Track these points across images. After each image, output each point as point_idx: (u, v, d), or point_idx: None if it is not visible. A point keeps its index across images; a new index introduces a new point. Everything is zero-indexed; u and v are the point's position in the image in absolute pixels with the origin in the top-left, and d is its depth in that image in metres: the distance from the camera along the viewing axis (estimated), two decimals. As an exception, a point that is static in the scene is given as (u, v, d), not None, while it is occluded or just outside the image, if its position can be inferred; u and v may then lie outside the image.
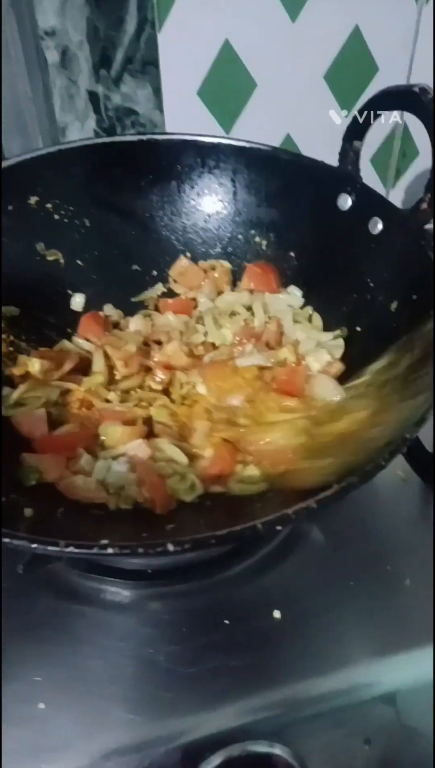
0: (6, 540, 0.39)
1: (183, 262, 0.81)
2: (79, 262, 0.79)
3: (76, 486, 0.55)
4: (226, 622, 0.58)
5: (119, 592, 0.61)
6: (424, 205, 0.65)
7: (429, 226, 0.65)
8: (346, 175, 0.71)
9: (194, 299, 0.80)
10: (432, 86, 0.63)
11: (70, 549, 0.39)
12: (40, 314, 0.75)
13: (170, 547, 0.39)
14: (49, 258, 0.76)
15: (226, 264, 0.81)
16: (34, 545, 0.40)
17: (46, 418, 0.63)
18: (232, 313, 0.78)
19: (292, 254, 0.78)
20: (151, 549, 0.39)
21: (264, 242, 0.80)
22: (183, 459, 0.61)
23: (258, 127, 1.00)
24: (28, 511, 0.51)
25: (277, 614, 0.59)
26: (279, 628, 0.59)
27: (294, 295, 0.78)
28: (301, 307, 0.78)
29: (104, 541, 0.40)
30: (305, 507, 0.41)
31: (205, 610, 0.60)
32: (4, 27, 1.02)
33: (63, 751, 0.52)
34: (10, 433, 0.62)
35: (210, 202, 0.80)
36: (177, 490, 0.57)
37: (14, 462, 0.59)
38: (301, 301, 0.78)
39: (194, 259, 0.82)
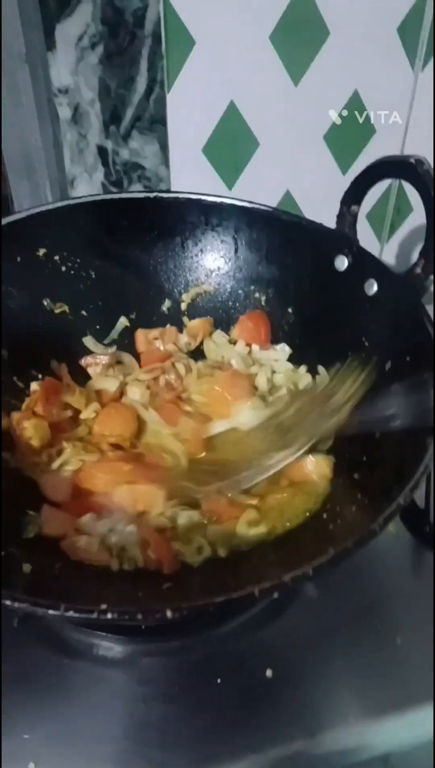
0: (7, 602, 0.40)
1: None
2: (83, 312, 0.81)
3: (79, 547, 0.56)
4: (219, 680, 0.59)
5: (112, 647, 0.61)
6: (418, 270, 0.67)
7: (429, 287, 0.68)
8: (343, 237, 0.73)
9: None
10: (429, 157, 0.67)
11: (71, 613, 0.40)
12: (44, 358, 0.78)
13: (169, 614, 0.40)
14: (56, 310, 0.78)
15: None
16: (35, 608, 0.40)
17: (71, 481, 0.64)
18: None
19: (289, 310, 0.81)
20: (149, 615, 0.40)
21: (263, 297, 0.82)
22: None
23: (259, 183, 1.03)
24: (26, 567, 0.52)
25: (269, 673, 0.59)
26: (271, 687, 0.59)
27: (282, 351, 0.81)
28: (295, 368, 0.80)
29: (103, 606, 0.40)
30: (301, 574, 0.42)
31: (197, 667, 0.60)
32: (17, 79, 1.06)
33: None
34: (9, 483, 0.63)
35: (212, 258, 0.83)
36: (183, 552, 0.58)
37: (14, 512, 0.60)
38: (285, 358, 0.80)
39: (190, 313, 0.85)
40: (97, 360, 0.80)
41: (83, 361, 0.80)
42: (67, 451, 0.68)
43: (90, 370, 0.80)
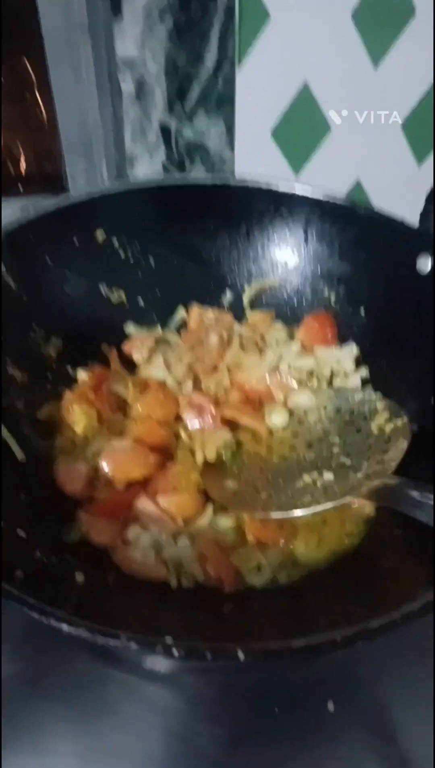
0: (66, 627, 0.37)
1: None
2: (140, 300, 0.77)
3: (134, 560, 0.52)
4: (276, 709, 0.55)
5: (164, 662, 0.57)
6: None
7: None
8: (427, 236, 0.68)
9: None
10: None
11: (132, 644, 0.36)
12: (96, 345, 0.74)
13: (241, 656, 0.36)
14: (113, 298, 0.74)
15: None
16: (93, 634, 0.37)
17: (86, 474, 0.61)
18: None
19: (361, 311, 0.75)
20: (219, 655, 0.36)
21: (332, 295, 0.77)
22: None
23: (328, 170, 0.98)
24: (79, 577, 0.49)
25: (331, 706, 0.55)
26: (333, 721, 0.54)
27: (349, 351, 0.75)
28: (356, 368, 0.74)
29: (168, 640, 0.37)
30: (389, 621, 0.38)
31: (253, 692, 0.56)
32: (77, 50, 1.01)
33: None
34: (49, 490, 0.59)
35: (279, 250, 0.78)
36: (242, 569, 0.54)
37: (61, 516, 0.56)
38: (352, 358, 0.74)
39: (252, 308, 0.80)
40: (141, 343, 0.75)
41: (127, 346, 0.75)
42: (102, 438, 0.65)
43: (135, 355, 0.76)
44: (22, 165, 1.15)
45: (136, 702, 0.56)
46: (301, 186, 0.74)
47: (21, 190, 1.15)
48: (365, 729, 0.54)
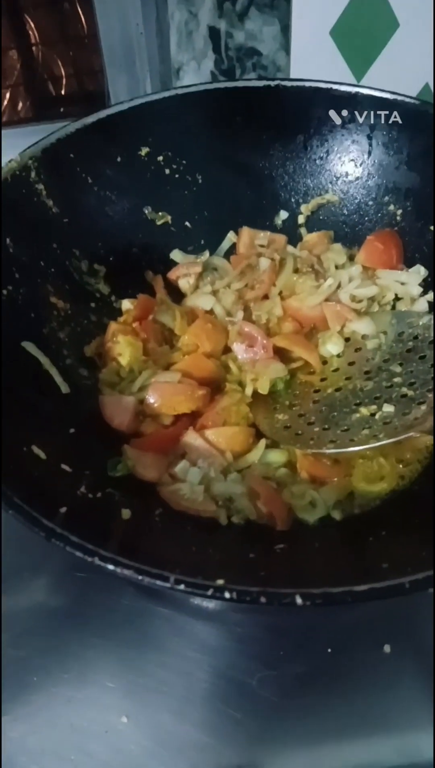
0: (111, 567, 0.34)
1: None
2: (187, 223, 0.71)
3: (182, 495, 0.49)
4: (329, 650, 0.52)
5: (211, 600, 0.55)
6: None
7: None
8: None
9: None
10: None
11: (181, 587, 0.33)
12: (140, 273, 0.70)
13: (299, 601, 0.32)
14: (158, 221, 0.69)
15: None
16: (140, 577, 0.34)
17: (133, 408, 0.58)
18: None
19: (431, 228, 0.67)
20: (275, 600, 0.33)
21: (399, 211, 0.69)
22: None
23: (394, 74, 0.87)
24: (125, 513, 0.46)
25: (387, 649, 0.52)
26: (388, 663, 0.52)
27: (415, 274, 0.68)
28: (423, 293, 0.68)
29: (220, 582, 0.34)
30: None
31: (305, 632, 0.53)
32: None
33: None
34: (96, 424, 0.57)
35: (340, 162, 0.70)
36: (295, 506, 0.50)
37: (107, 451, 0.54)
38: (418, 282, 0.67)
39: (309, 228, 0.73)
40: (188, 270, 0.71)
41: (173, 273, 0.71)
42: (148, 371, 0.61)
43: (181, 283, 0.71)
44: (63, 83, 1.09)
45: (181, 639, 0.54)
46: (365, 86, 0.65)
47: (61, 110, 1.09)
48: (422, 672, 0.51)
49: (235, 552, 0.46)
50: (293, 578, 0.38)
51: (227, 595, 0.33)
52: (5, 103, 1.07)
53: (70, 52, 1.04)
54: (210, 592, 0.33)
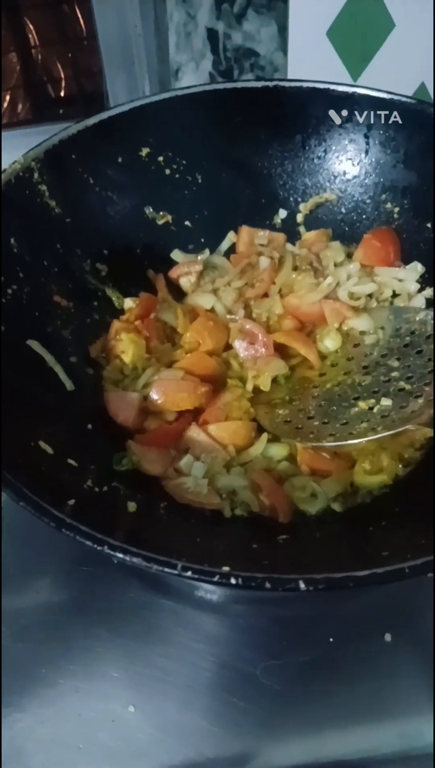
0: (120, 555, 0.35)
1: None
2: (187, 223, 0.72)
3: (186, 488, 0.51)
4: (331, 639, 0.53)
5: (215, 591, 0.56)
6: None
7: None
8: None
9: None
10: None
11: (188, 573, 0.35)
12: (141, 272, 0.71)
13: (302, 586, 0.33)
14: (159, 220, 0.70)
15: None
16: (149, 562, 0.35)
17: (138, 404, 0.59)
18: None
19: (428, 226, 0.68)
20: (279, 585, 0.34)
21: (396, 209, 0.70)
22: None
23: (390, 74, 0.88)
24: (131, 506, 0.47)
25: (388, 637, 0.53)
26: (390, 651, 0.53)
27: (412, 270, 0.69)
28: (420, 289, 0.69)
29: (226, 568, 0.35)
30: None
31: (306, 622, 0.54)
32: None
33: (139, 758, 0.49)
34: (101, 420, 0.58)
35: (338, 161, 0.71)
36: (297, 498, 0.51)
37: (111, 446, 0.55)
38: (415, 278, 0.68)
39: (308, 226, 0.74)
40: (189, 268, 0.71)
41: (174, 272, 0.72)
42: (151, 368, 0.62)
43: (182, 281, 0.72)
44: (62, 85, 1.09)
45: (186, 631, 0.56)
46: (362, 86, 0.66)
47: (60, 112, 1.09)
48: (422, 660, 0.52)
49: (239, 543, 0.47)
50: (296, 566, 0.39)
51: (233, 581, 0.34)
52: (5, 105, 1.08)
53: (69, 53, 1.05)
54: (216, 578, 0.34)
